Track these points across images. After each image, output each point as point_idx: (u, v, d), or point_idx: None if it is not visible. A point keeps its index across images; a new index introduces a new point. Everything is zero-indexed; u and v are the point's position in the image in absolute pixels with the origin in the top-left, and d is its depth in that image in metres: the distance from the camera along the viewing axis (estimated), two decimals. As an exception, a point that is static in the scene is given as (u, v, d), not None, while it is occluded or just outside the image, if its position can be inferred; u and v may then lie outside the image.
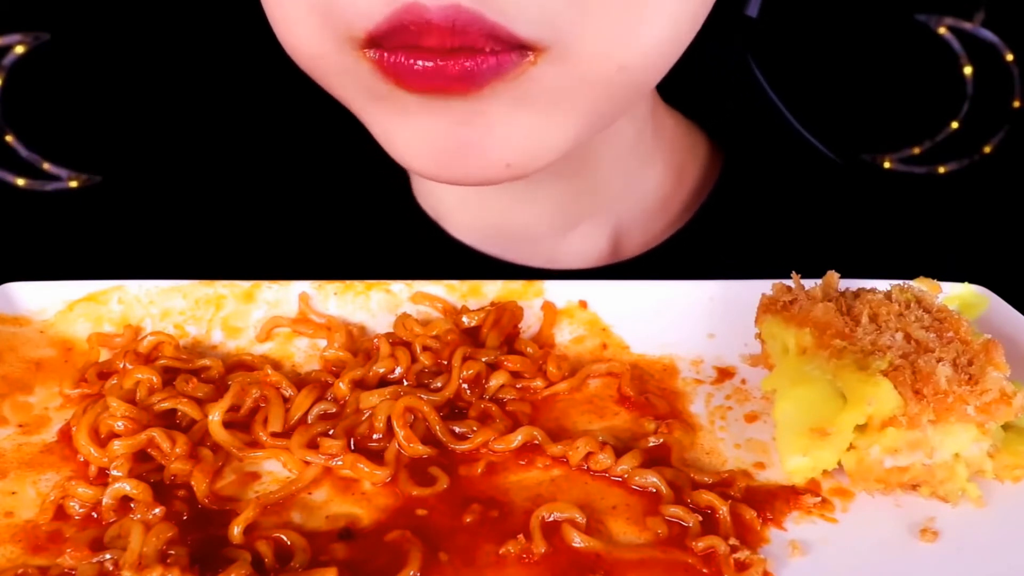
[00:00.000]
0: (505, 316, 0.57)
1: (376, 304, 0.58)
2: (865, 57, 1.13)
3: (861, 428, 0.45)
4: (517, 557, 0.42)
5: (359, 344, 0.56)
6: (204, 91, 0.99)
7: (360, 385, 0.52)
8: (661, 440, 0.50)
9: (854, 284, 0.54)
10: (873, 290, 0.52)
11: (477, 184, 0.50)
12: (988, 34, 1.16)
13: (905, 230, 0.76)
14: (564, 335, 0.58)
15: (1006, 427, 0.46)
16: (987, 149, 1.20)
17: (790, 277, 0.53)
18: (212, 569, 0.40)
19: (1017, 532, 0.44)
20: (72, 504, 0.45)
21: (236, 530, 0.43)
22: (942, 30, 1.16)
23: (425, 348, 0.54)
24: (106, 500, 0.44)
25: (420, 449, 0.48)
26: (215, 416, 0.49)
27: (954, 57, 1.17)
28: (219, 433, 0.49)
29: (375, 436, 0.49)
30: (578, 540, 0.43)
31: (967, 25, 1.16)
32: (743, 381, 0.55)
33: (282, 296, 0.58)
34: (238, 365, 0.55)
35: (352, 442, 0.49)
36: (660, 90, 0.69)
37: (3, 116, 1.11)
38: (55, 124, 1.10)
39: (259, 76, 0.82)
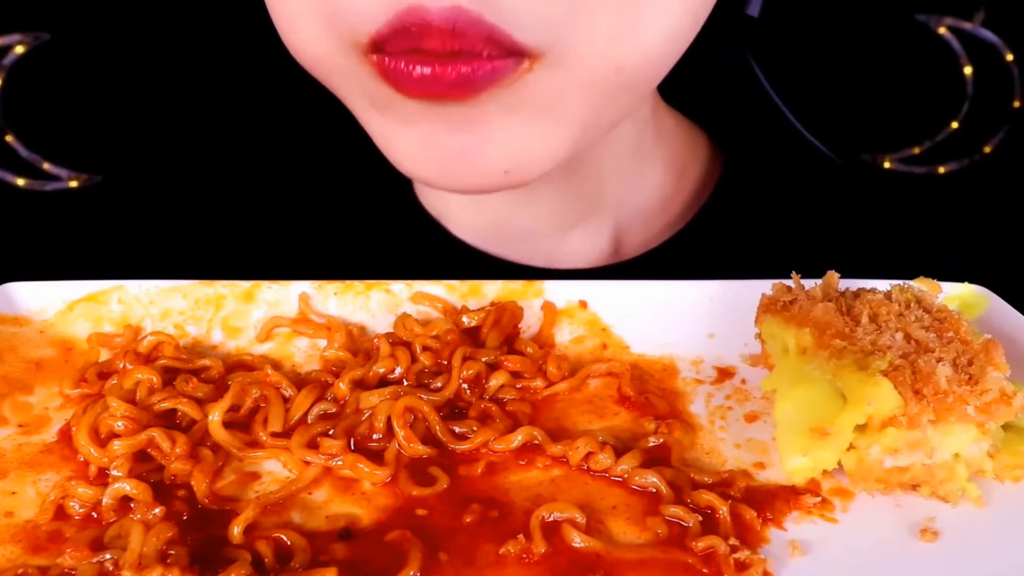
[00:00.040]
0: (505, 316, 0.57)
1: (376, 304, 0.58)
2: (865, 57, 1.13)
3: (861, 428, 0.45)
4: (517, 557, 0.42)
5: (359, 344, 0.56)
6: (204, 91, 0.99)
7: (360, 385, 0.52)
8: (661, 440, 0.50)
9: (854, 284, 0.54)
10: (873, 290, 0.52)
11: (476, 191, 0.50)
12: (988, 34, 1.16)
13: (905, 230, 0.76)
14: (564, 335, 0.58)
15: (1006, 427, 0.46)
16: (987, 149, 1.20)
17: (790, 277, 0.53)
18: (212, 569, 0.40)
19: (1017, 532, 0.44)
20: (72, 504, 0.45)
21: (236, 530, 0.43)
22: (942, 30, 1.16)
23: (425, 348, 0.54)
24: (106, 500, 0.44)
25: (420, 449, 0.48)
26: (215, 416, 0.49)
27: (954, 57, 1.17)
28: (219, 433, 0.49)
29: (375, 436, 0.49)
30: (578, 540, 0.43)
31: (967, 25, 1.16)
32: (743, 381, 0.55)
33: (282, 296, 0.58)
34: (238, 365, 0.55)
35: (352, 442, 0.49)
36: (661, 90, 0.69)
37: (3, 116, 1.11)
38: (55, 124, 1.10)
39: (259, 75, 0.82)
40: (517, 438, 0.49)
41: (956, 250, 0.77)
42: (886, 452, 0.45)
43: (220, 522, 0.44)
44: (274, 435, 0.49)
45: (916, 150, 1.21)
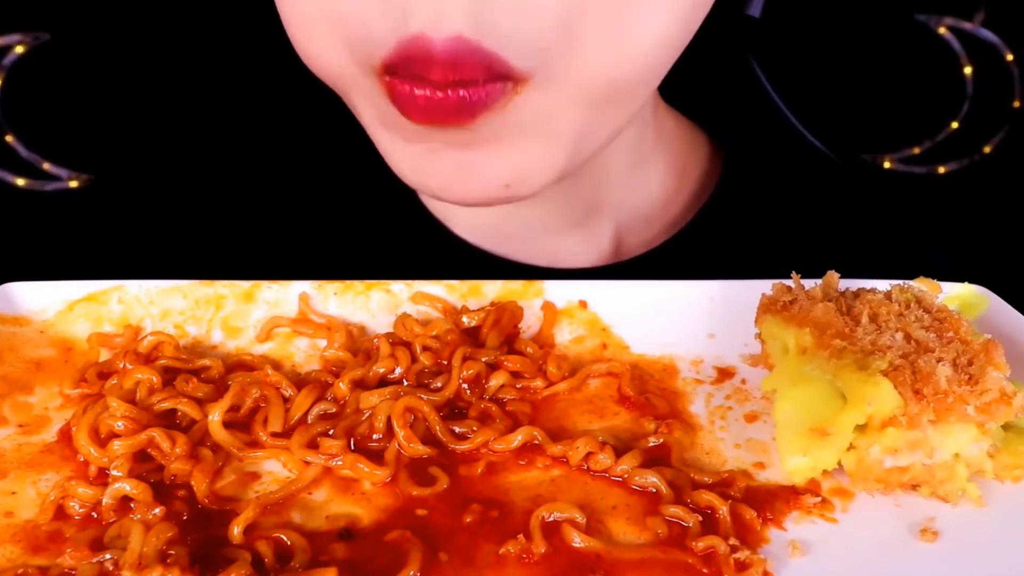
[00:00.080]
0: (505, 316, 0.57)
1: (376, 304, 0.58)
2: (865, 57, 1.13)
3: (861, 428, 0.45)
4: (517, 557, 0.42)
5: (359, 344, 0.56)
6: (204, 90, 0.99)
7: (360, 385, 0.52)
8: (661, 440, 0.50)
9: (854, 284, 0.54)
10: (873, 290, 0.52)
11: (478, 204, 0.52)
12: (988, 34, 1.16)
13: (905, 230, 0.76)
14: (564, 335, 0.58)
15: (1006, 427, 0.46)
16: (987, 149, 1.20)
17: (790, 277, 0.53)
18: (212, 569, 0.40)
19: (1017, 532, 0.44)
20: (72, 504, 0.45)
21: (236, 530, 0.43)
22: (942, 30, 1.16)
23: (425, 348, 0.54)
24: (106, 500, 0.44)
25: (420, 449, 0.48)
26: (215, 416, 0.49)
27: (954, 57, 1.17)
28: (219, 433, 0.49)
29: (375, 436, 0.49)
30: (578, 540, 0.43)
31: (967, 25, 1.16)
32: (743, 381, 0.55)
33: (282, 296, 0.58)
34: (238, 365, 0.55)
35: (352, 442, 0.49)
36: (661, 90, 0.69)
37: (3, 116, 1.11)
38: (55, 124, 1.10)
39: (260, 75, 0.82)
40: (517, 438, 0.49)
41: (956, 250, 0.77)
42: (886, 452, 0.45)
43: (220, 522, 0.44)
44: (274, 435, 0.49)
45: (916, 150, 1.21)
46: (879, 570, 0.42)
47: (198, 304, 0.58)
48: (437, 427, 0.50)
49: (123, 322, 0.57)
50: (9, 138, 1.11)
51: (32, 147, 1.12)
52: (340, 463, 0.47)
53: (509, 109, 0.47)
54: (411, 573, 0.41)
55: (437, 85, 0.45)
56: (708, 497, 0.45)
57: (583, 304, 0.58)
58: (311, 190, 0.72)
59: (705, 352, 0.56)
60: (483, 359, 0.54)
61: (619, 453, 0.48)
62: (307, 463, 0.48)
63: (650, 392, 0.53)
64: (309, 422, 0.50)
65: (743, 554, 0.42)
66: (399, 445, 0.48)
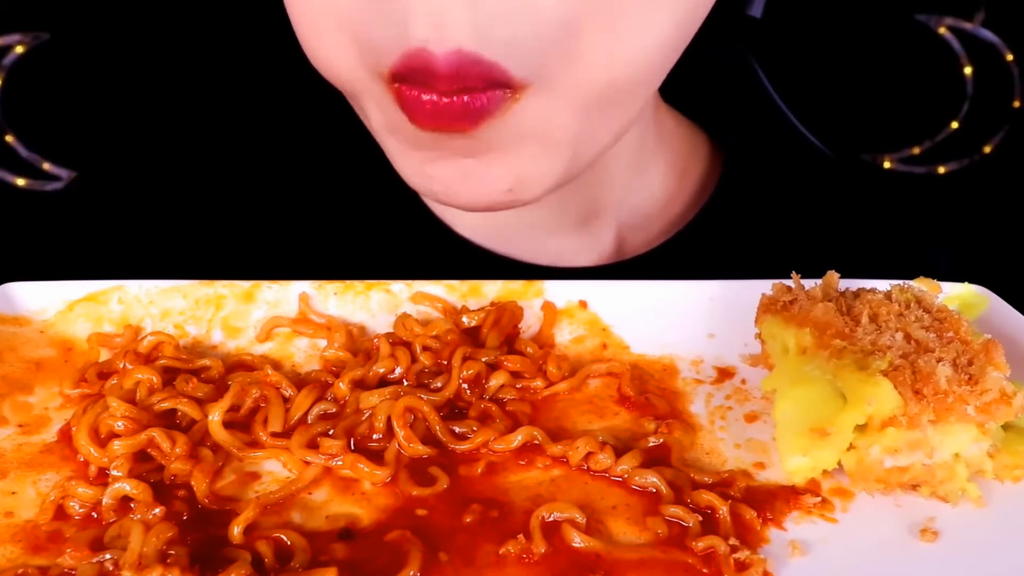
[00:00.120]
0: (505, 316, 0.57)
1: (376, 304, 0.58)
2: (865, 57, 1.13)
3: (861, 428, 0.45)
4: (517, 557, 0.42)
5: (359, 344, 0.56)
6: (205, 90, 0.99)
7: (360, 385, 0.52)
8: (661, 440, 0.50)
9: (854, 284, 0.54)
10: (873, 290, 0.52)
11: (481, 209, 0.53)
12: (988, 34, 1.16)
13: (905, 230, 0.76)
14: (564, 335, 0.58)
15: (1006, 427, 0.46)
16: (987, 149, 1.20)
17: (790, 277, 0.53)
18: (212, 569, 0.40)
19: (1017, 532, 0.44)
20: (72, 504, 0.45)
21: (236, 530, 0.43)
22: (942, 30, 1.16)
23: (425, 348, 0.54)
24: (106, 500, 0.44)
25: (420, 449, 0.48)
26: (215, 416, 0.49)
27: (954, 57, 1.17)
28: (219, 433, 0.49)
29: (375, 436, 0.49)
30: (578, 540, 0.43)
31: (967, 25, 1.16)
32: (743, 381, 0.55)
33: (282, 296, 0.58)
34: (238, 365, 0.55)
35: (352, 442, 0.49)
36: (661, 91, 0.69)
37: (3, 116, 1.11)
38: (55, 124, 1.10)
39: (261, 75, 0.82)
40: (517, 438, 0.49)
41: (956, 250, 0.77)
42: (886, 452, 0.45)
43: (220, 522, 0.44)
44: (274, 435, 0.49)
45: (916, 150, 1.21)
46: (879, 570, 0.42)
47: (198, 304, 0.58)
48: (437, 427, 0.50)
49: (123, 322, 0.57)
50: (9, 138, 1.11)
51: (32, 147, 1.12)
52: (340, 463, 0.47)
53: (509, 116, 0.48)
54: (411, 573, 0.41)
55: (442, 92, 0.46)
56: (708, 497, 0.45)
57: (583, 304, 0.58)
58: (313, 190, 0.72)
59: (705, 352, 0.56)
60: (483, 359, 0.54)
61: (619, 453, 0.48)
62: (307, 463, 0.48)
63: (650, 392, 0.53)
64: (309, 422, 0.50)
65: (743, 554, 0.42)
66: (399, 445, 0.48)
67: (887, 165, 1.21)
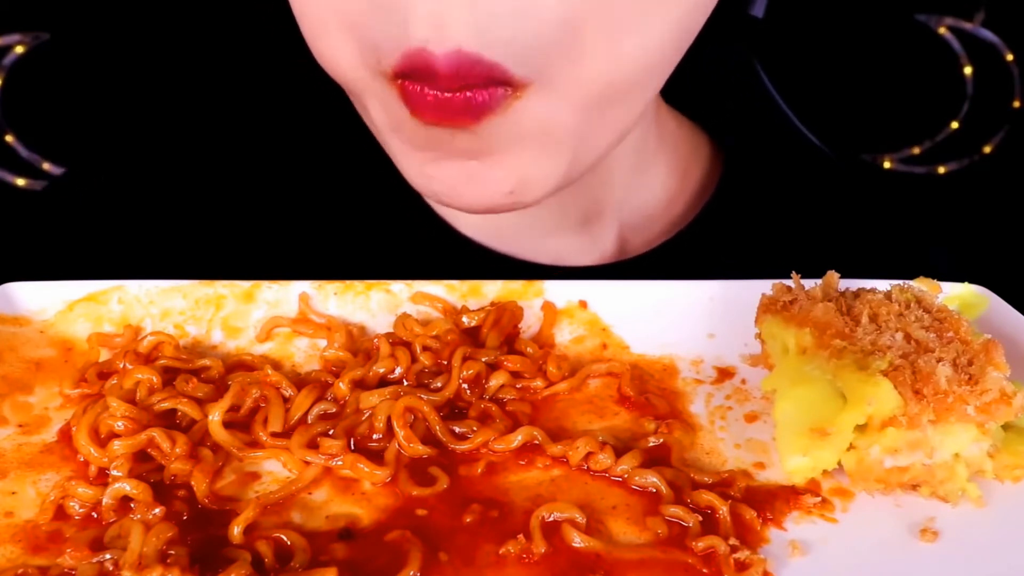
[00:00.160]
0: (505, 316, 0.57)
1: (376, 304, 0.58)
2: (865, 57, 1.13)
3: (861, 428, 0.45)
4: (517, 557, 0.42)
5: (359, 344, 0.56)
6: (206, 90, 0.99)
7: (360, 385, 0.52)
8: (661, 440, 0.50)
9: (854, 284, 0.54)
10: (873, 290, 0.52)
11: (482, 211, 0.53)
12: (988, 34, 1.16)
13: (905, 230, 0.76)
14: (564, 335, 0.58)
15: (1006, 427, 0.46)
16: (987, 149, 1.20)
17: (790, 277, 0.53)
18: (212, 569, 0.40)
19: (1017, 532, 0.44)
20: (72, 504, 0.45)
21: (236, 530, 0.43)
22: (942, 30, 1.16)
23: (425, 348, 0.54)
24: (106, 500, 0.44)
25: (420, 449, 0.48)
26: (215, 416, 0.49)
27: (954, 57, 1.17)
28: (219, 433, 0.49)
29: (375, 436, 0.49)
30: (578, 540, 0.43)
31: (967, 25, 1.16)
32: (743, 381, 0.55)
33: (282, 296, 0.58)
34: (238, 365, 0.55)
35: (352, 442, 0.49)
36: (662, 92, 0.69)
37: (3, 116, 1.11)
38: (55, 124, 1.10)
39: (262, 75, 0.82)
40: (517, 438, 0.49)
41: (956, 250, 0.77)
42: (886, 452, 0.45)
43: (220, 522, 0.44)
44: (274, 435, 0.49)
45: (916, 150, 1.21)
46: (879, 570, 0.42)
47: (198, 304, 0.58)
48: (437, 427, 0.50)
49: (123, 322, 0.57)
50: (9, 138, 1.11)
51: (32, 147, 1.12)
52: (340, 463, 0.47)
53: (511, 115, 0.48)
54: (411, 573, 0.41)
55: (444, 89, 0.46)
56: (708, 497, 0.45)
57: (583, 304, 0.58)
58: (314, 189, 0.72)
59: (705, 352, 0.56)
60: (483, 359, 0.54)
61: (619, 453, 0.48)
62: (307, 463, 0.48)
63: (650, 392, 0.53)
64: (309, 422, 0.50)
65: (743, 554, 0.42)
66: (399, 445, 0.48)
67: (887, 165, 1.21)
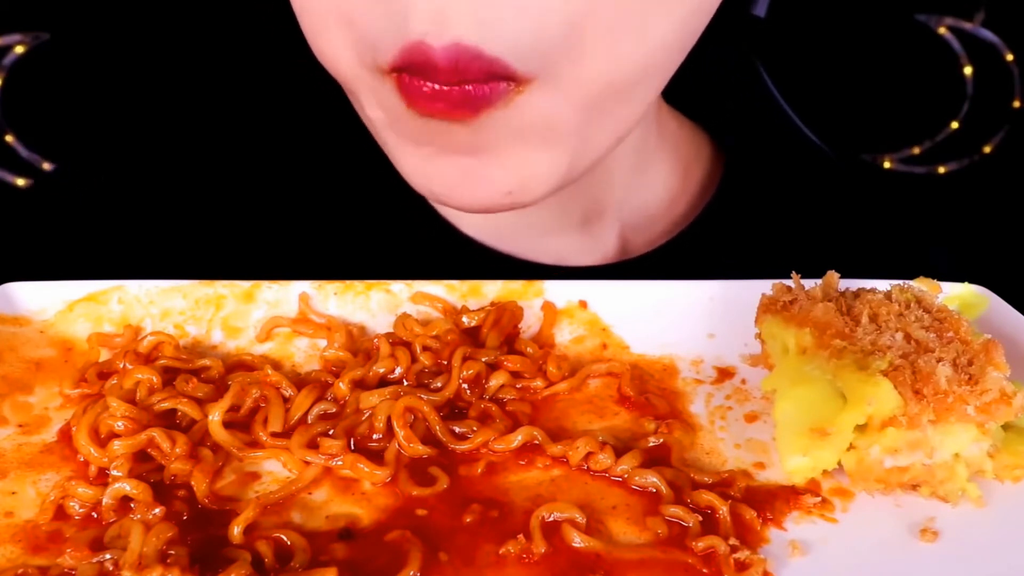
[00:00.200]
0: (505, 316, 0.57)
1: (376, 304, 0.58)
2: (865, 57, 1.13)
3: (861, 428, 0.45)
4: (517, 557, 0.42)
5: (359, 344, 0.56)
6: (206, 90, 0.99)
7: (360, 385, 0.52)
8: (661, 440, 0.50)
9: (854, 284, 0.54)
10: (873, 290, 0.52)
11: (481, 211, 0.53)
12: (988, 34, 1.16)
13: (905, 230, 0.76)
14: (564, 335, 0.58)
15: (1006, 427, 0.46)
16: (987, 149, 1.20)
17: (790, 277, 0.53)
18: (212, 569, 0.40)
19: (1017, 532, 0.44)
20: (72, 504, 0.45)
21: (236, 530, 0.43)
22: (942, 30, 1.16)
23: (425, 348, 0.54)
24: (106, 500, 0.44)
25: (420, 449, 0.48)
26: (215, 416, 0.49)
27: (954, 57, 1.17)
28: (219, 433, 0.49)
29: (375, 436, 0.49)
30: (578, 540, 0.43)
31: (967, 25, 1.16)
32: (743, 381, 0.55)
33: (282, 296, 0.58)
34: (238, 365, 0.55)
35: (352, 442, 0.49)
36: (663, 92, 0.69)
37: (3, 116, 1.11)
38: (55, 124, 1.10)
39: (262, 75, 0.82)
40: (517, 438, 0.49)
41: (956, 250, 0.77)
42: (886, 452, 0.45)
43: (220, 522, 0.44)
44: (274, 435, 0.49)
45: (916, 150, 1.21)
46: (879, 570, 0.42)
47: (198, 304, 0.58)
48: (437, 427, 0.50)
49: (123, 322, 0.57)
50: (9, 138, 1.11)
51: (32, 147, 1.12)
52: (340, 463, 0.47)
53: (512, 110, 0.47)
54: (411, 573, 0.41)
55: (443, 83, 0.46)
56: (708, 497, 0.45)
57: (583, 304, 0.58)
58: (314, 189, 0.72)
59: (705, 352, 0.56)
60: (483, 359, 0.54)
61: (619, 453, 0.48)
62: (307, 463, 0.48)
63: (650, 392, 0.53)
64: (309, 422, 0.50)
65: (743, 554, 0.42)
66: (399, 445, 0.48)
67: (887, 165, 1.21)
